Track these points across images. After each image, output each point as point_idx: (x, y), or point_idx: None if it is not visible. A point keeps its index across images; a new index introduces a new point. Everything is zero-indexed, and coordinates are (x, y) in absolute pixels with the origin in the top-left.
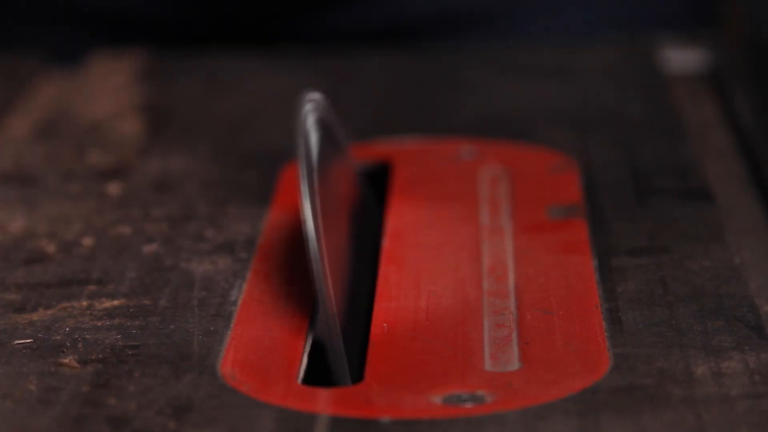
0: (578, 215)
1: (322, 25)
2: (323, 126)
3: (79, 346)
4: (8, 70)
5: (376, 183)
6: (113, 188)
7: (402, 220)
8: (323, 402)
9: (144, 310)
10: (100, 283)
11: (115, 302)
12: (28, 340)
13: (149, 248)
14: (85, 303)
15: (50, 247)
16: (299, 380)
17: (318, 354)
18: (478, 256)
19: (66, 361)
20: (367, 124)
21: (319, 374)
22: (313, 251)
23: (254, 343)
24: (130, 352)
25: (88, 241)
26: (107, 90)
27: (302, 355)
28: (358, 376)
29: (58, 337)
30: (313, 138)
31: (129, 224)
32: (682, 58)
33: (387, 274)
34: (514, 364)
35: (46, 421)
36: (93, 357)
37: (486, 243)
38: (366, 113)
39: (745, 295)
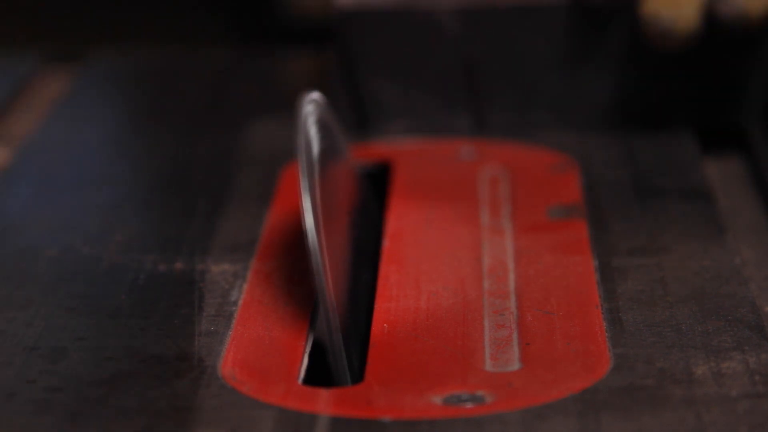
0: (578, 215)
1: None
2: (323, 126)
3: (81, 346)
4: (8, 70)
5: (376, 183)
6: (113, 188)
7: (402, 220)
8: (324, 402)
9: (144, 310)
10: (100, 283)
11: (116, 302)
12: (29, 339)
13: (150, 248)
14: (86, 303)
15: (52, 251)
16: (300, 380)
17: (318, 354)
18: (478, 256)
19: (66, 360)
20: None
21: (319, 374)
22: (313, 251)
23: (255, 344)
24: (130, 352)
25: (89, 241)
26: (106, 90)
27: (303, 355)
28: (358, 376)
29: (59, 337)
30: (314, 138)
31: (129, 224)
32: None
33: (387, 274)
34: (515, 365)
35: (46, 421)
36: (94, 357)
37: (486, 243)
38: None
39: (745, 295)
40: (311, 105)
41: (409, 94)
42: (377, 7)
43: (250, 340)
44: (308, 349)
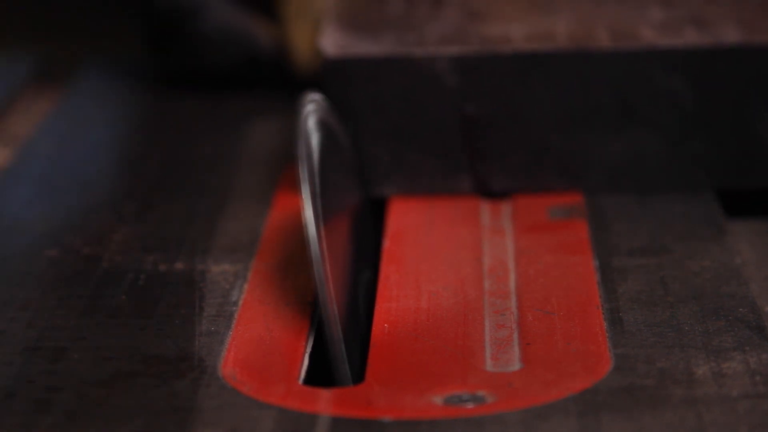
0: (579, 215)
1: None
2: (324, 127)
3: (81, 346)
4: (8, 71)
5: None
6: (113, 189)
7: (402, 220)
8: (324, 402)
9: (145, 310)
10: (101, 283)
11: (116, 302)
12: (29, 339)
13: (150, 248)
14: (86, 303)
15: (52, 251)
16: (300, 381)
17: (319, 354)
18: (478, 256)
19: (66, 360)
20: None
21: (319, 374)
22: (314, 252)
23: (255, 344)
24: (131, 352)
25: (89, 241)
26: (106, 90)
27: (303, 355)
28: (359, 376)
29: (59, 337)
30: (314, 139)
31: (129, 225)
32: None
33: (388, 274)
34: (515, 365)
35: (46, 421)
36: (94, 357)
37: (486, 243)
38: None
39: (745, 295)
40: (311, 105)
41: (403, 153)
42: (367, 57)
43: (250, 340)
44: (308, 350)
